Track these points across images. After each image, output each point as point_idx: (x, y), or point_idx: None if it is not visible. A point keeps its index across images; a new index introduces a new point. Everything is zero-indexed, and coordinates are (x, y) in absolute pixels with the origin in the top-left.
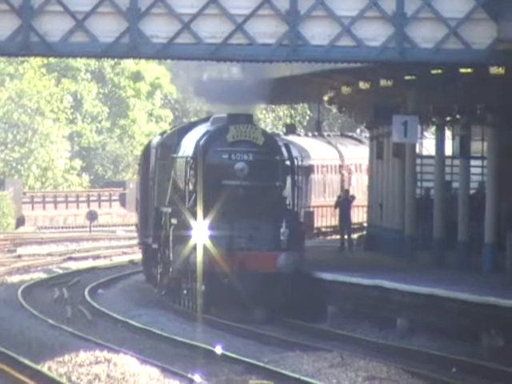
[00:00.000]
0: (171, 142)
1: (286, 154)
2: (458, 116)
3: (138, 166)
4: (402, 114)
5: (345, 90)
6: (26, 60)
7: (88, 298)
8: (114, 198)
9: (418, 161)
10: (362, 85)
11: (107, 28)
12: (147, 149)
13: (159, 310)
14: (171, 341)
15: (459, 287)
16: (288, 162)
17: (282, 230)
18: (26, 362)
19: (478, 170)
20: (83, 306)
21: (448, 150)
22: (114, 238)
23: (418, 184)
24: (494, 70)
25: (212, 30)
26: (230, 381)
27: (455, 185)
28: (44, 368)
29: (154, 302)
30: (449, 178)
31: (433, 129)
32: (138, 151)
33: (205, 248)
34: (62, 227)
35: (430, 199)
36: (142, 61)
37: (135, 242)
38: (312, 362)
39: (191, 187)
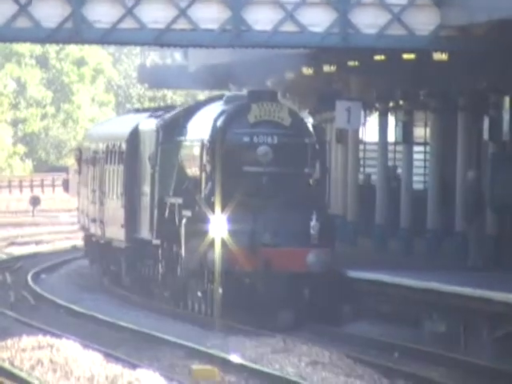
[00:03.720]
0: (175, 124)
1: (315, 136)
2: (400, 102)
3: (77, 153)
4: (345, 99)
5: (288, 75)
6: None
7: (31, 283)
8: (57, 183)
9: (361, 147)
10: (305, 70)
11: (51, 13)
12: (133, 134)
13: (101, 295)
14: (114, 326)
15: (402, 272)
16: (318, 146)
17: (312, 224)
18: None
19: (421, 156)
20: (26, 291)
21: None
22: (57, 223)
23: (361, 170)
24: (437, 55)
25: (155, 15)
26: (172, 366)
27: (398, 171)
28: None
29: (96, 287)
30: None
31: (375, 115)
32: (82, 136)
33: (223, 244)
34: (5, 212)
35: (371, 185)
36: (86, 46)
37: (78, 227)
38: (255, 347)
39: (207, 174)
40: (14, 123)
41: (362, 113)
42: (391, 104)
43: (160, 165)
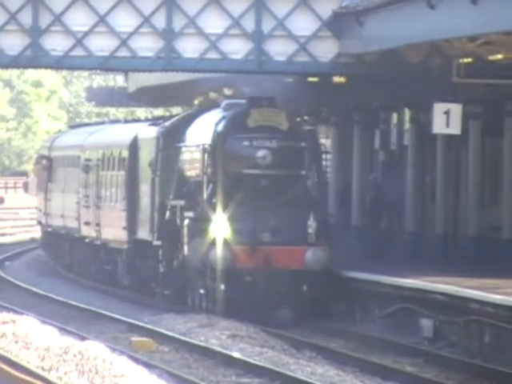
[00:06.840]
0: (175, 131)
1: (311, 140)
2: (306, 117)
3: (39, 160)
4: None
5: (212, 95)
6: None
7: None
8: (18, 185)
9: None
10: (227, 91)
11: (13, 42)
12: (133, 142)
13: (56, 279)
14: (66, 305)
15: None
16: (314, 150)
17: (309, 223)
18: None
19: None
20: None
21: None
22: (18, 218)
23: None
24: (337, 79)
25: (101, 44)
26: (115, 338)
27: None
28: None
29: (51, 272)
30: None
31: None
32: (38, 146)
33: (225, 243)
34: None
35: None
36: (43, 70)
37: (35, 221)
38: (184, 322)
39: (209, 177)
40: None
41: None
42: (298, 119)
43: (160, 170)
